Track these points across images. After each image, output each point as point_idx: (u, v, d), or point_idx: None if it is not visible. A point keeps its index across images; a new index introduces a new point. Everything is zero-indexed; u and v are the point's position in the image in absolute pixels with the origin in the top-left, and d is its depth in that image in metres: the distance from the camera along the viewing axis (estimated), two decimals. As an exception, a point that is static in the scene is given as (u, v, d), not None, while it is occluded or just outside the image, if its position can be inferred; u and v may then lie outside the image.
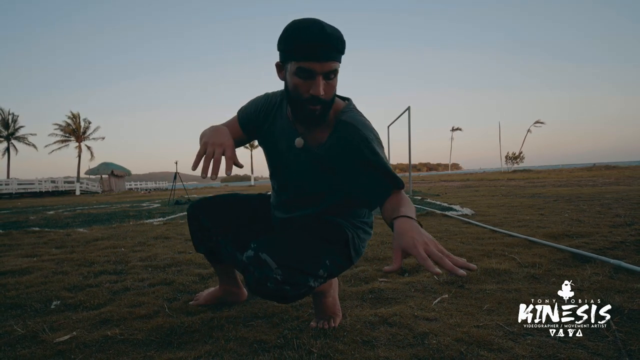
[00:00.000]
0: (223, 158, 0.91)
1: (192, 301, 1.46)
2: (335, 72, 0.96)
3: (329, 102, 0.99)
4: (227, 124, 1.15)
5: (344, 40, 0.96)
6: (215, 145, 0.92)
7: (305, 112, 0.98)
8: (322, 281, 1.05)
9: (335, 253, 1.08)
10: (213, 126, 1.04)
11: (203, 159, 0.90)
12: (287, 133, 1.10)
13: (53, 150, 37.80)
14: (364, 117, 1.09)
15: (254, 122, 1.15)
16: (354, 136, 1.01)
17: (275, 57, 1.01)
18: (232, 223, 1.23)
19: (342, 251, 1.11)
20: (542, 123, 48.50)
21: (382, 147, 1.05)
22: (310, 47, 0.91)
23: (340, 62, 0.97)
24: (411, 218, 0.83)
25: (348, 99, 1.13)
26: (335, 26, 0.95)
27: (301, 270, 0.98)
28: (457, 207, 4.91)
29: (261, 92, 1.21)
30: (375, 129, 1.08)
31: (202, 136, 0.99)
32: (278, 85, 1.15)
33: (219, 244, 1.24)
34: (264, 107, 1.14)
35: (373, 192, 1.00)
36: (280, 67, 1.01)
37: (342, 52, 0.97)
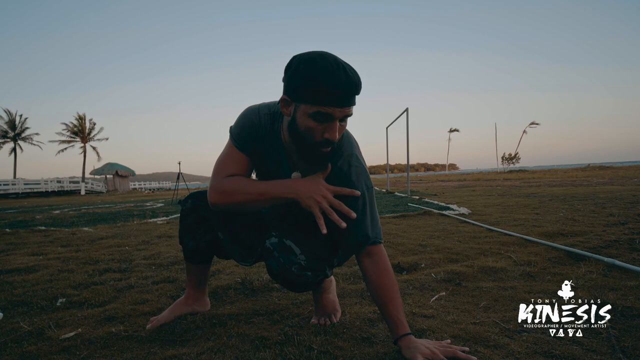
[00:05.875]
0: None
1: (148, 325, 1.23)
2: (350, 115, 0.93)
3: (337, 144, 0.96)
4: (230, 159, 1.06)
5: (361, 83, 0.93)
6: (322, 197, 0.95)
7: (315, 154, 0.95)
8: (331, 272, 1.11)
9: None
10: (286, 183, 0.99)
11: (329, 216, 0.94)
12: (283, 164, 1.07)
13: (59, 151, 38.33)
14: (359, 159, 1.07)
15: (253, 145, 1.07)
16: (346, 186, 1.01)
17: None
18: (233, 217, 1.16)
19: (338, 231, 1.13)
20: (537, 124, 48.55)
21: (372, 195, 1.06)
22: (334, 94, 0.87)
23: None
24: (410, 334, 0.99)
25: None
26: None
27: (322, 257, 1.06)
28: (454, 206, 4.93)
29: (263, 94, 1.14)
30: (367, 168, 1.08)
31: (302, 199, 0.96)
32: (279, 88, 1.08)
33: (217, 236, 1.19)
34: (257, 130, 1.06)
35: (346, 244, 1.05)
36: (287, 103, 0.94)
37: (358, 94, 0.94)
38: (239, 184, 1.02)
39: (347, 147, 1.05)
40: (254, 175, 1.15)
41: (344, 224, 0.94)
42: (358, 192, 0.98)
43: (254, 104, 1.11)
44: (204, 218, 1.19)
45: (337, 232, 1.05)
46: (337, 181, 1.01)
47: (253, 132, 1.05)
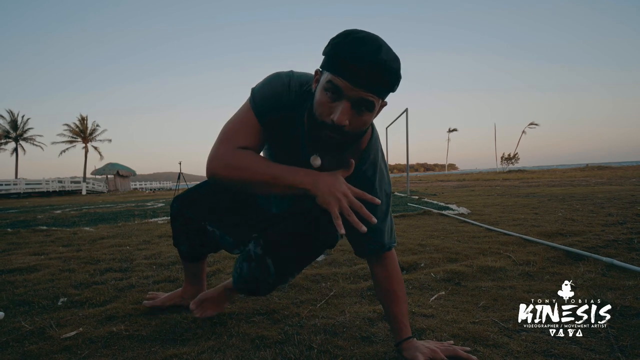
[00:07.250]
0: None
1: (147, 301, 1.38)
2: (369, 105, 0.80)
3: (351, 137, 0.85)
4: (245, 127, 0.94)
5: (399, 76, 0.80)
6: (342, 195, 0.84)
7: (320, 136, 0.84)
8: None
9: (322, 250, 1.13)
10: (305, 172, 0.89)
11: (347, 217, 0.84)
12: (299, 147, 0.98)
13: (62, 151, 38.52)
14: (383, 165, 1.01)
15: (273, 117, 0.95)
16: (368, 192, 0.93)
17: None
18: (219, 209, 1.13)
19: (326, 247, 1.10)
20: (536, 125, 48.55)
21: (389, 202, 1.04)
22: (350, 65, 0.75)
23: (382, 99, 0.82)
24: (413, 338, 1.00)
25: (372, 126, 1.00)
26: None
27: (292, 274, 1.08)
28: (453, 206, 4.93)
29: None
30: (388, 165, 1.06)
31: (320, 193, 0.86)
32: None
33: (206, 230, 1.14)
34: (282, 104, 0.93)
35: (360, 243, 1.04)
36: (318, 75, 0.86)
37: (391, 89, 0.81)
38: (251, 160, 0.90)
39: (373, 152, 0.98)
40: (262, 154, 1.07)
41: (364, 228, 0.83)
42: (379, 201, 0.88)
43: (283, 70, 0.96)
44: (191, 220, 1.16)
45: (351, 237, 1.02)
46: (360, 186, 0.91)
47: (276, 105, 0.93)
